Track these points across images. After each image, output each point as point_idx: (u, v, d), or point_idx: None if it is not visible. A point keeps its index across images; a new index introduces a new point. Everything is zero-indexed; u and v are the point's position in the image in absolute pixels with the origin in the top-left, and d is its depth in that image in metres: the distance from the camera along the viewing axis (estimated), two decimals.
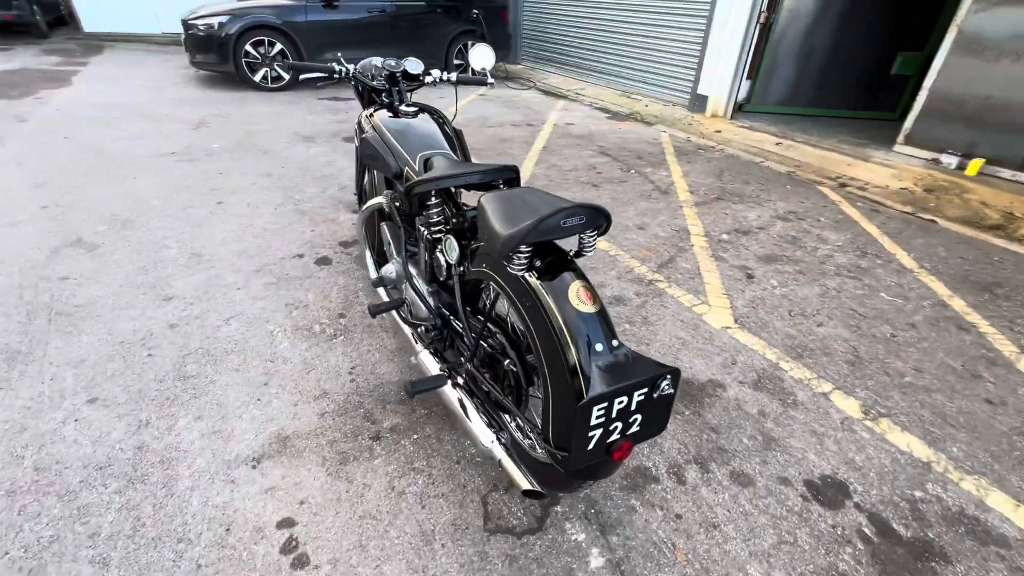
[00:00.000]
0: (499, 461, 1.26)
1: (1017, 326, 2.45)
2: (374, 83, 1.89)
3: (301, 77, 1.89)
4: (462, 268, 1.42)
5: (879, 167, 4.71)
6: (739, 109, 6.22)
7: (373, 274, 2.08)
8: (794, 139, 5.41)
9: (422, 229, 1.58)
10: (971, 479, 1.63)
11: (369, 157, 1.72)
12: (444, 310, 1.60)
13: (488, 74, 1.90)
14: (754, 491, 1.55)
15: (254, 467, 1.53)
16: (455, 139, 1.75)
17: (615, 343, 1.05)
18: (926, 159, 4.78)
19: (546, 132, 5.30)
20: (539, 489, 1.16)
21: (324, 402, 1.77)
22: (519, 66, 9.09)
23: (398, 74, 1.86)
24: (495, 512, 1.44)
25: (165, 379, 1.83)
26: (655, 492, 1.53)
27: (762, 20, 5.64)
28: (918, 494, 1.57)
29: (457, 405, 1.42)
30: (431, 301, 1.63)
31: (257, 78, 6.18)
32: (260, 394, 1.79)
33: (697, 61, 6.09)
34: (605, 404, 0.96)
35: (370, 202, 1.97)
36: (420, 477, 1.53)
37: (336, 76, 1.90)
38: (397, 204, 1.76)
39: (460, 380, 1.50)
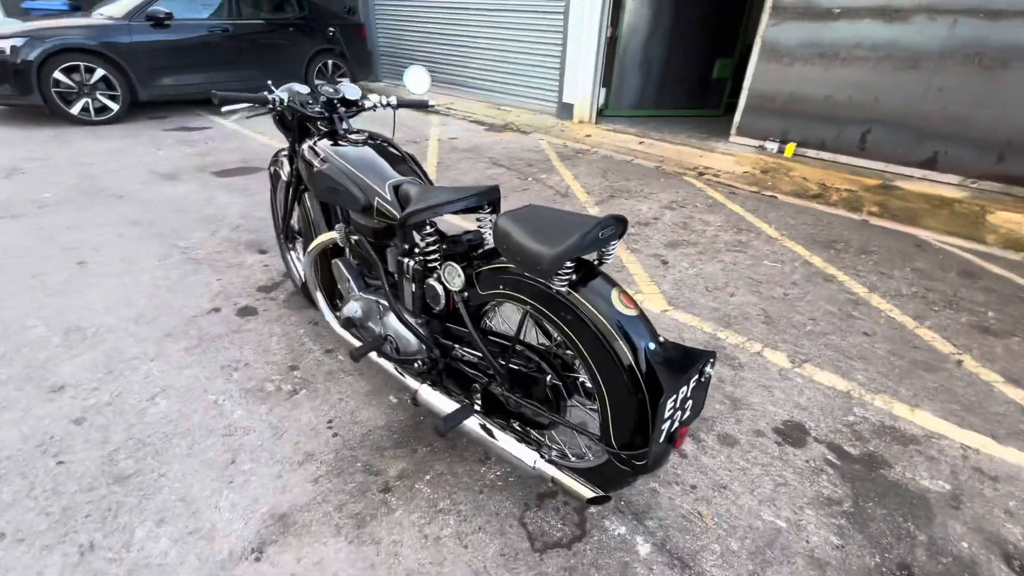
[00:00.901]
0: (551, 478, 1.26)
1: (860, 272, 3.09)
2: (310, 111, 1.75)
3: (224, 109, 1.67)
4: (466, 294, 1.39)
5: (723, 156, 5.55)
6: (600, 114, 6.84)
7: (329, 316, 1.91)
8: (652, 137, 6.12)
9: (405, 260, 1.51)
10: (878, 397, 2.03)
11: (327, 191, 1.59)
12: (443, 339, 1.54)
13: (426, 97, 1.87)
14: (740, 448, 1.76)
15: (258, 559, 1.32)
16: (413, 164, 1.70)
17: (661, 339, 1.13)
18: (754, 146, 5.76)
19: (434, 148, 5.29)
20: (604, 493, 1.20)
21: (312, 466, 1.59)
22: (380, 84, 8.90)
23: (336, 100, 1.74)
24: (537, 530, 1.43)
25: (96, 486, 1.48)
26: (666, 470, 1.65)
27: (609, 34, 6.29)
28: (851, 418, 1.92)
29: (483, 433, 1.39)
30: (424, 332, 1.56)
31: (75, 111, 5.17)
32: (231, 475, 1.54)
33: (559, 72, 6.57)
34: (674, 396, 1.04)
35: (319, 239, 1.81)
36: (450, 517, 1.46)
37: (270, 106, 1.71)
38: (355, 238, 1.66)
39: (477, 407, 1.46)
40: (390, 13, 8.51)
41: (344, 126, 1.76)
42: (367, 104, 1.78)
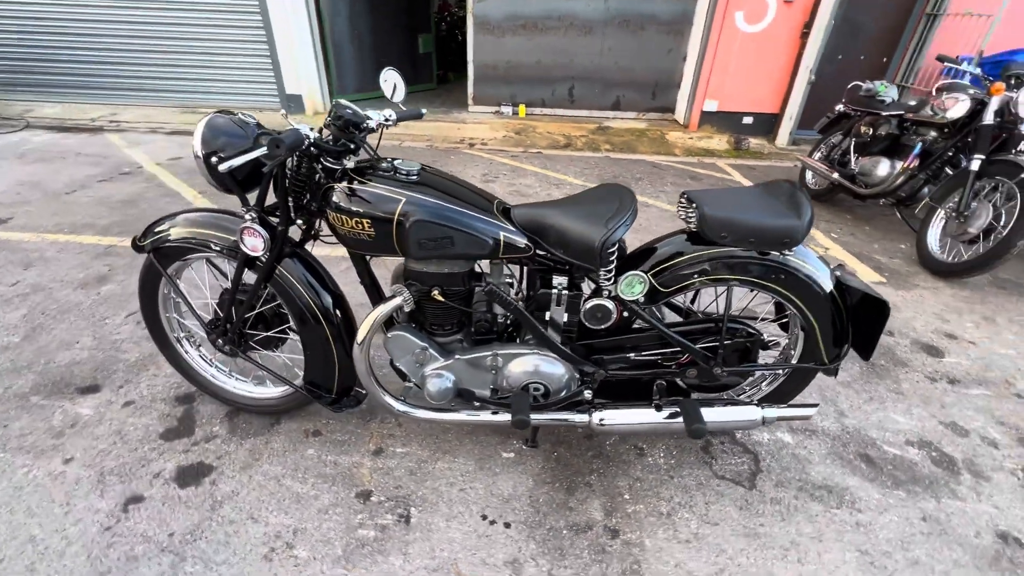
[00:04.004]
0: (775, 418, 1.43)
1: (649, 193, 4.03)
2: (337, 145, 1.19)
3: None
4: (641, 298, 1.34)
5: (476, 125, 5.98)
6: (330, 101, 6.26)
7: (403, 407, 1.43)
8: None
9: (554, 291, 1.32)
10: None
11: (434, 243, 1.18)
12: (606, 356, 1.43)
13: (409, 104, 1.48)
14: None
15: None
16: (474, 186, 1.41)
17: (832, 265, 1.41)
18: (492, 112, 6.39)
19: (169, 177, 3.94)
20: (816, 403, 1.45)
21: (529, 568, 1.29)
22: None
23: (352, 126, 1.22)
24: (733, 474, 1.58)
25: None
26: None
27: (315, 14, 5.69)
28: None
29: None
30: (578, 358, 1.41)
31: None
32: None
33: (271, 60, 5.63)
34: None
35: (378, 312, 1.33)
36: (682, 512, 1.45)
37: (278, 156, 1.04)
38: (435, 292, 1.33)
39: (660, 400, 1.45)
40: None
41: (373, 155, 1.27)
42: (371, 124, 1.32)
